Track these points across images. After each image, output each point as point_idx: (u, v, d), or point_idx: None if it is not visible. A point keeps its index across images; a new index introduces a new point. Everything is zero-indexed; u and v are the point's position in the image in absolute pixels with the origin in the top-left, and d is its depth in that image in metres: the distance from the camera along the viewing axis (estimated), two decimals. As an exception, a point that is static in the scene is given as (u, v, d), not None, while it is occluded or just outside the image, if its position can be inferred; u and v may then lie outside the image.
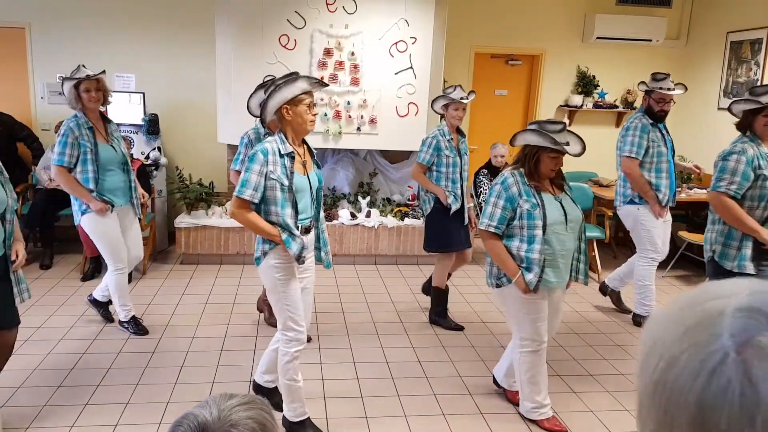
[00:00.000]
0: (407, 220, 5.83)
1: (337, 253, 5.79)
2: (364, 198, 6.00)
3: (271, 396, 3.17)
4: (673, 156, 4.33)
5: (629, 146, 4.20)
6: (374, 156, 6.36)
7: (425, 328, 4.40)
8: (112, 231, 3.88)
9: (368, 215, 5.86)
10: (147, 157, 5.83)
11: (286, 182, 2.73)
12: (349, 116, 5.78)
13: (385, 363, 3.82)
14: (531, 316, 3.00)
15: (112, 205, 3.84)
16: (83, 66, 3.84)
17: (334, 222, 5.75)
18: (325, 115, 5.74)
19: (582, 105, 6.71)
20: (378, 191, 6.31)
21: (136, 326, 4.07)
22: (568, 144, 2.86)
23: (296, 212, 2.79)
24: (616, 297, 4.86)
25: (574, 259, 3.09)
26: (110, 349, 3.84)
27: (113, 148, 3.88)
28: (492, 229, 2.96)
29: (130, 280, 5.07)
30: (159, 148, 5.95)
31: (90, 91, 3.74)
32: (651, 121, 4.22)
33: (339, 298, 4.94)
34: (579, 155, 2.90)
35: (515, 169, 2.99)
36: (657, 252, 4.38)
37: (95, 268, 5.20)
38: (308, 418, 2.98)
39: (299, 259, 2.79)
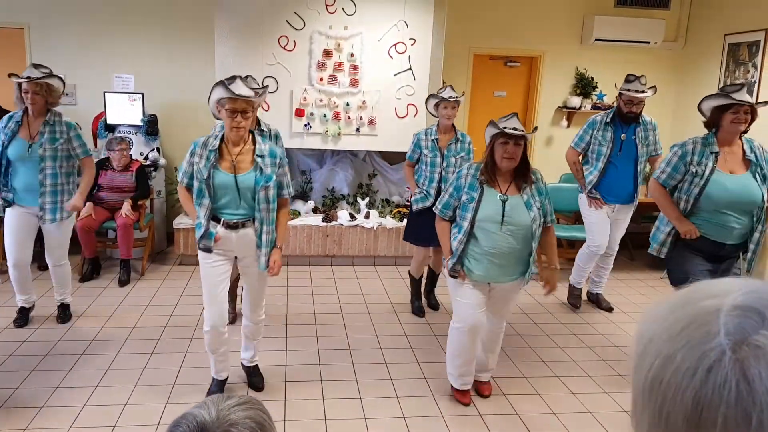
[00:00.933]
0: (406, 221, 5.82)
1: (336, 254, 5.80)
2: (363, 199, 6.00)
3: (252, 375, 3.45)
4: (635, 159, 4.42)
5: (575, 137, 4.63)
6: (373, 157, 6.37)
7: (424, 329, 4.41)
8: (7, 225, 3.91)
9: (367, 216, 5.86)
10: (146, 158, 5.82)
11: (203, 175, 2.98)
12: (348, 117, 5.78)
13: (384, 365, 3.82)
14: (456, 297, 3.22)
15: (9, 203, 3.87)
16: (33, 66, 3.81)
17: (333, 223, 5.76)
18: (324, 116, 5.74)
19: (581, 106, 6.72)
20: (377, 192, 6.31)
21: (21, 319, 4.14)
22: (515, 129, 2.97)
23: (212, 204, 3.02)
24: (595, 298, 4.98)
25: (521, 262, 3.12)
26: (109, 351, 3.83)
27: (29, 146, 3.79)
28: (437, 212, 3.25)
29: (128, 281, 5.08)
30: (158, 149, 5.94)
31: (28, 93, 3.75)
32: (608, 120, 4.42)
33: (338, 299, 4.94)
34: (523, 133, 2.96)
35: (477, 163, 3.18)
36: (594, 243, 4.63)
37: (93, 268, 5.19)
38: (218, 380, 3.35)
39: (199, 243, 3.06)
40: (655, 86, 4.43)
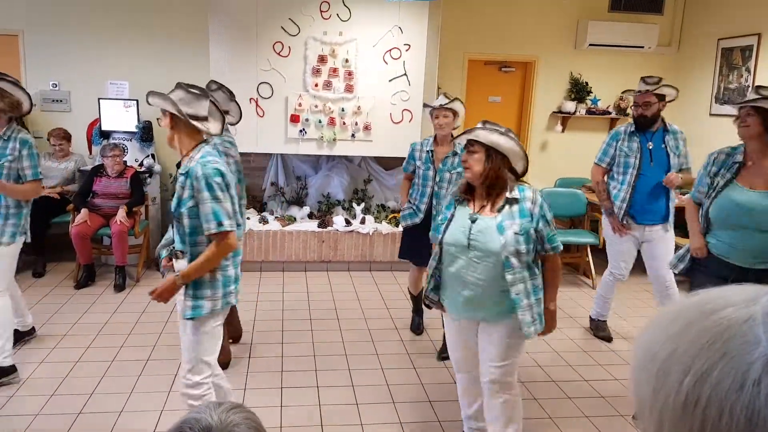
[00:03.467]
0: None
1: (332, 259, 5.79)
2: (358, 204, 6.00)
3: None
4: (666, 170, 3.93)
5: (598, 153, 4.18)
6: (368, 162, 6.37)
7: (421, 335, 4.40)
8: None
9: (363, 222, 5.86)
10: (141, 165, 5.81)
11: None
12: (344, 123, 5.78)
13: (380, 370, 3.81)
14: (445, 329, 2.83)
15: None
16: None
17: (329, 228, 5.76)
18: (320, 121, 5.75)
19: (575, 111, 6.75)
20: (372, 198, 6.31)
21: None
22: (465, 133, 2.56)
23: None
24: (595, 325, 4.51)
25: (493, 299, 2.53)
26: (104, 358, 3.82)
27: None
28: (431, 237, 2.81)
29: (123, 288, 5.06)
30: (153, 156, 5.93)
31: None
32: (632, 130, 4.01)
33: (334, 305, 4.93)
34: (468, 138, 2.54)
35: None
36: (617, 270, 4.19)
37: (88, 276, 5.17)
38: None
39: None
40: (660, 78, 3.98)
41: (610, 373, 3.86)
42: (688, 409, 0.54)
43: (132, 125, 5.86)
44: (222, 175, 2.47)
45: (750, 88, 5.64)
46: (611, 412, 3.40)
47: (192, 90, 2.55)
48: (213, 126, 2.61)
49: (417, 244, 3.99)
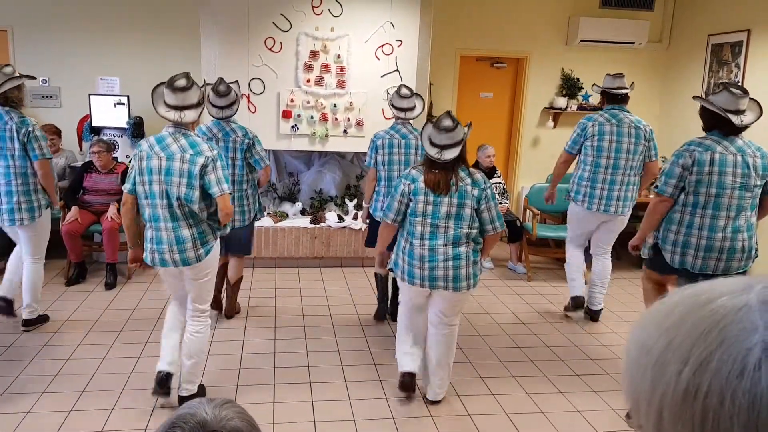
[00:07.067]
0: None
1: (324, 255, 5.79)
2: (351, 200, 6.00)
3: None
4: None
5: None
6: (361, 158, 6.36)
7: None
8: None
9: (355, 218, 5.86)
10: (131, 161, 5.78)
11: None
12: (336, 119, 5.78)
13: (373, 365, 3.82)
14: None
15: None
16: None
17: (321, 225, 5.75)
18: (312, 117, 5.74)
19: (566, 107, 6.76)
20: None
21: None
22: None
23: None
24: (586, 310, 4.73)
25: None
26: (94, 355, 3.81)
27: None
28: None
29: (114, 285, 5.04)
30: (144, 152, 5.90)
31: None
32: None
33: (326, 301, 4.93)
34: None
35: None
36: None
37: (79, 273, 5.15)
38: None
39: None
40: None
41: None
42: (688, 400, 0.53)
43: (123, 121, 5.83)
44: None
45: (739, 84, 5.69)
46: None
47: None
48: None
49: None
